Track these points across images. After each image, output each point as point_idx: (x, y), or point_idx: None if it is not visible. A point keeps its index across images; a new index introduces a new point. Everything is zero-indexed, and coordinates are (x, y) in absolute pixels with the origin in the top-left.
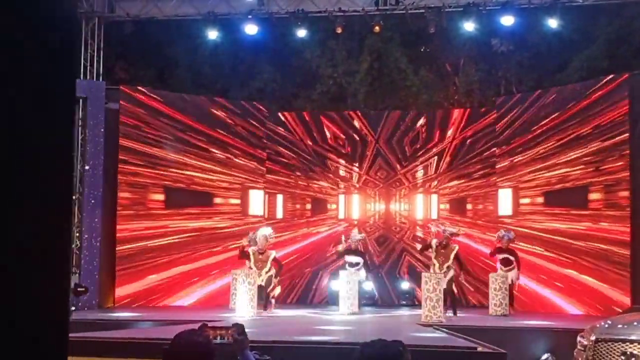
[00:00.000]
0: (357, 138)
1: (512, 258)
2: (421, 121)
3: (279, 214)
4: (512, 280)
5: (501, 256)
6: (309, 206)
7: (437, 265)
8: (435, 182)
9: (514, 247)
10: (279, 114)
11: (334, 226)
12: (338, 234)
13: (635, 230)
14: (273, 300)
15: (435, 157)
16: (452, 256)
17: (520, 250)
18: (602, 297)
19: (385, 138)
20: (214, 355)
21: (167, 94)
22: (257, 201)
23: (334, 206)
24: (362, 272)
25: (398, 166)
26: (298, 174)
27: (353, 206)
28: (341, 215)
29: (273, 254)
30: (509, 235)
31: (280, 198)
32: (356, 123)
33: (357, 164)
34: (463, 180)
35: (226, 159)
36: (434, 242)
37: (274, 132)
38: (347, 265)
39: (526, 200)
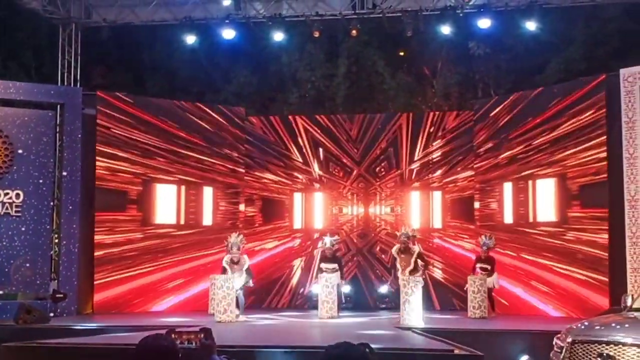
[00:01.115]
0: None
1: (488, 267)
2: (397, 125)
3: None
4: (493, 284)
5: (478, 266)
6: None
7: (400, 270)
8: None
9: (494, 253)
10: (256, 118)
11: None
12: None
13: (614, 232)
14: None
15: (417, 163)
16: (412, 260)
17: (498, 253)
18: (581, 299)
19: (364, 152)
20: (178, 358)
21: (144, 99)
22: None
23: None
24: (337, 276)
25: (374, 180)
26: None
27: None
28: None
29: (247, 259)
30: (488, 244)
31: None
32: (334, 127)
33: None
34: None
35: (204, 162)
36: (394, 249)
37: (252, 136)
38: (324, 273)
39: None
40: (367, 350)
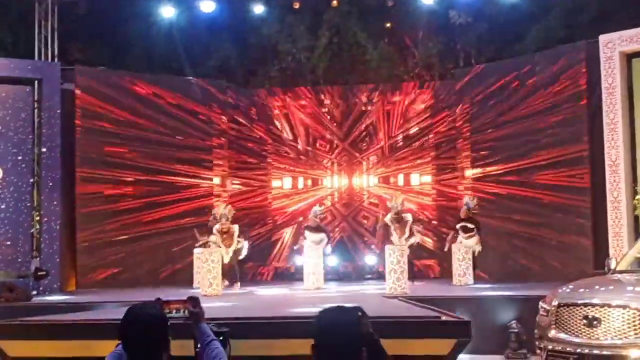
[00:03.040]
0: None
1: (470, 226)
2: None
3: None
4: (473, 250)
5: (459, 225)
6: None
7: (396, 237)
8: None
9: (476, 215)
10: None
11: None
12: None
13: (595, 196)
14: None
15: (400, 135)
16: (407, 229)
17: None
18: (564, 263)
19: (346, 124)
20: (167, 326)
21: (123, 74)
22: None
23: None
24: (326, 247)
25: (357, 153)
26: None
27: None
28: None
29: (237, 228)
30: (470, 204)
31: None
32: (317, 99)
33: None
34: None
35: (182, 138)
36: (388, 217)
37: (234, 111)
38: (310, 243)
39: (488, 169)
40: (359, 313)
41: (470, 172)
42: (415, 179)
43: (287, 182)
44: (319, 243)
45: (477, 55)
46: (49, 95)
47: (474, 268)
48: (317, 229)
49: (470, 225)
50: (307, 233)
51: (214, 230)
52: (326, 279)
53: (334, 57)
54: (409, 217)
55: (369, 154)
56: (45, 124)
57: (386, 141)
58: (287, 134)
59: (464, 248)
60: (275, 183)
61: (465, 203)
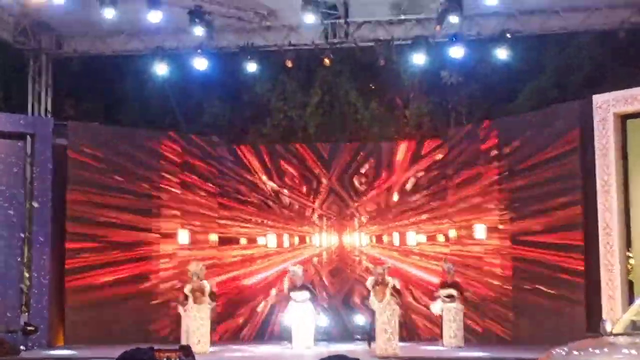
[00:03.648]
0: (309, 173)
1: (455, 293)
2: (371, 156)
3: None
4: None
5: (445, 292)
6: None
7: (376, 303)
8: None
9: (458, 280)
10: (232, 148)
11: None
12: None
13: (589, 260)
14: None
15: (385, 192)
16: (387, 292)
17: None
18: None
19: (338, 173)
20: None
21: (115, 129)
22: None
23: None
24: (311, 306)
25: (350, 202)
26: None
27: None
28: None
29: (208, 286)
30: (451, 269)
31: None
32: (308, 157)
33: (311, 199)
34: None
35: (177, 193)
36: (369, 282)
37: (226, 167)
38: (293, 303)
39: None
40: None
41: (454, 233)
42: (412, 237)
43: (271, 240)
44: (304, 301)
45: (468, 115)
46: (41, 150)
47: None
48: (301, 287)
49: (454, 293)
50: (292, 293)
51: (185, 291)
52: (316, 339)
53: (325, 115)
54: (390, 280)
55: (362, 209)
56: (37, 179)
57: (380, 197)
58: (273, 187)
59: (454, 309)
60: (260, 240)
61: (447, 269)
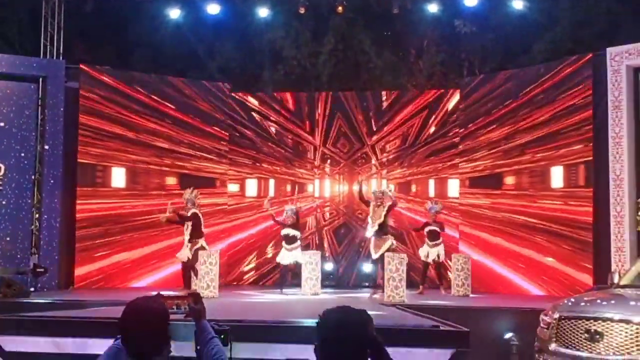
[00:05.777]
0: (322, 117)
1: (438, 230)
2: (384, 103)
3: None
4: (437, 256)
5: (427, 229)
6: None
7: (370, 223)
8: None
9: (442, 219)
10: (240, 95)
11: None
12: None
13: (598, 210)
14: None
15: (398, 138)
16: (382, 214)
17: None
18: (565, 277)
19: (348, 118)
20: (168, 321)
21: (127, 73)
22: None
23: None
24: (299, 251)
25: (361, 143)
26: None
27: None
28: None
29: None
30: (436, 208)
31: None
32: (320, 104)
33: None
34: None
35: (187, 139)
36: (372, 204)
37: (236, 112)
38: (283, 241)
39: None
40: (365, 316)
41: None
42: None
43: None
44: (292, 240)
45: (481, 65)
46: (53, 93)
47: (440, 277)
48: (292, 226)
49: (438, 230)
50: (284, 231)
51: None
52: (323, 284)
53: (339, 63)
54: (387, 203)
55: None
56: (49, 122)
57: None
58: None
59: (463, 258)
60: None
61: (429, 208)
